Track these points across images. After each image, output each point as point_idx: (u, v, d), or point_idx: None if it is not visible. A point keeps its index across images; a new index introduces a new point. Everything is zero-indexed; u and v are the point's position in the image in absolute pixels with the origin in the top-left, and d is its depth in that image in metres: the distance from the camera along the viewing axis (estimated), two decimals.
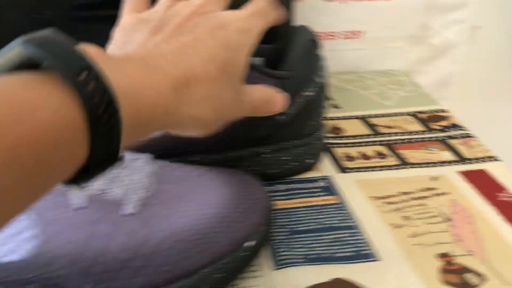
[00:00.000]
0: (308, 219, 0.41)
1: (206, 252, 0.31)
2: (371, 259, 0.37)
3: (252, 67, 0.40)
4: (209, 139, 0.41)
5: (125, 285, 0.29)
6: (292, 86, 0.42)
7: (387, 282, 0.35)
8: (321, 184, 0.46)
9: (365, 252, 0.38)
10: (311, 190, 0.45)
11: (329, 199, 0.44)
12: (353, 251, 0.38)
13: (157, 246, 0.30)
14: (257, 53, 0.41)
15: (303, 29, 0.45)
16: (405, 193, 0.45)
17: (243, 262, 0.33)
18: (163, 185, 0.32)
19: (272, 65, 0.44)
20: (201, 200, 0.32)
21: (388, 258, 0.37)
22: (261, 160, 0.44)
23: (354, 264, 0.37)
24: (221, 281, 0.32)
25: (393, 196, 0.44)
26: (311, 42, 0.44)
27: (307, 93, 0.43)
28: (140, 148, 0.39)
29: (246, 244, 0.33)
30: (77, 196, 0.30)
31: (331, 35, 0.65)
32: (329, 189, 0.45)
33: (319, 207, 0.43)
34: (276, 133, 0.43)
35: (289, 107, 0.42)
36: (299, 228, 0.40)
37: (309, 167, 0.47)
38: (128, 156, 0.33)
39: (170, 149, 0.41)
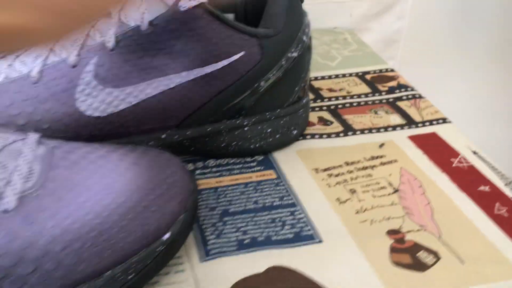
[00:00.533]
0: (241, 199, 0.36)
1: (109, 251, 0.25)
2: (313, 241, 0.33)
3: (223, 23, 0.34)
4: (181, 114, 0.36)
5: None
6: (275, 46, 0.36)
7: (331, 266, 0.31)
8: (257, 157, 0.40)
9: (306, 233, 0.33)
10: (245, 165, 0.40)
11: (266, 174, 0.39)
12: (292, 233, 0.33)
13: (47, 248, 0.24)
14: (227, 7, 0.35)
15: None
16: (350, 163, 0.40)
17: (160, 259, 0.28)
18: (53, 171, 0.26)
19: (247, 21, 0.38)
20: (102, 187, 0.26)
21: (332, 238, 0.33)
22: (241, 133, 0.38)
23: (294, 248, 0.32)
24: (133, 283, 0.27)
25: (338, 167, 0.40)
26: None
27: (292, 55, 0.38)
28: (105, 122, 0.33)
29: (164, 237, 0.27)
30: None
31: None
32: (265, 162, 0.40)
33: (254, 184, 0.38)
34: (257, 102, 0.38)
35: (273, 71, 0.36)
36: (231, 210, 0.35)
37: (294, 139, 0.41)
38: (8, 135, 0.27)
39: (137, 125, 0.35)
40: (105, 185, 0.27)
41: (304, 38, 0.39)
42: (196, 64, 0.35)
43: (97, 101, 0.34)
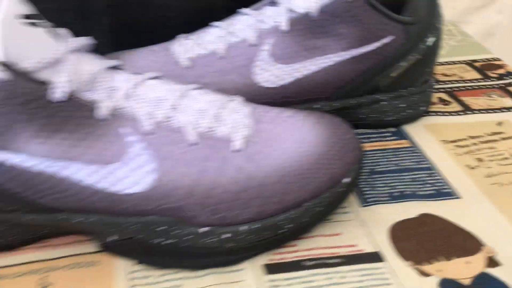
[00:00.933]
0: (384, 161, 0.42)
1: (308, 187, 0.32)
2: (453, 197, 0.39)
3: (378, 11, 0.40)
4: (332, 88, 0.42)
5: (239, 215, 0.31)
6: (416, 32, 0.43)
7: (470, 218, 0.37)
8: (389, 129, 0.47)
9: (445, 190, 0.39)
10: (381, 135, 0.46)
11: (402, 143, 0.45)
12: (433, 190, 0.39)
13: (264, 180, 0.31)
14: None
15: None
16: (473, 137, 0.46)
17: (339, 198, 0.34)
18: (261, 124, 0.34)
19: (393, 9, 0.44)
20: (296, 139, 0.33)
21: (468, 196, 0.39)
22: (379, 107, 0.45)
23: (437, 201, 0.38)
24: (320, 214, 0.34)
25: (463, 139, 0.45)
26: None
27: (429, 39, 0.44)
28: (274, 92, 0.41)
29: (344, 180, 0.34)
30: (189, 133, 0.31)
31: None
32: (398, 133, 0.46)
33: (392, 150, 0.44)
34: (396, 81, 0.44)
35: (413, 54, 0.43)
36: (378, 169, 0.41)
37: (422, 114, 0.48)
38: (224, 97, 0.34)
39: (297, 96, 0.42)
40: (298, 137, 0.34)
41: (439, 26, 0.45)
42: (352, 45, 0.41)
43: (269, 74, 0.41)
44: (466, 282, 0.32)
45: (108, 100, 0.30)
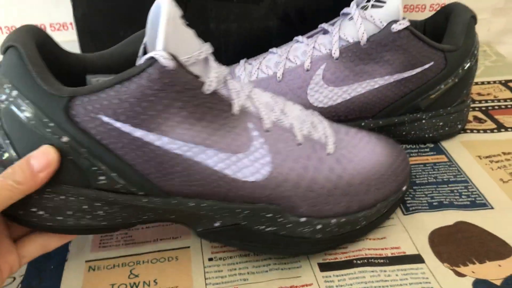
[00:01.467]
0: (424, 174, 0.47)
1: (382, 190, 0.38)
2: (486, 207, 0.43)
3: (421, 40, 0.45)
4: (377, 107, 0.48)
5: (332, 209, 0.36)
6: (454, 58, 0.48)
7: (503, 227, 0.41)
8: (428, 145, 0.51)
9: (479, 201, 0.44)
10: (420, 150, 0.51)
11: (439, 158, 0.50)
12: (469, 201, 0.44)
13: (350, 181, 0.37)
14: (414, 26, 0.45)
15: (459, 5, 0.50)
16: (506, 153, 0.50)
17: (398, 202, 0.40)
18: (339, 135, 0.39)
19: (434, 38, 0.48)
20: (370, 150, 0.39)
21: (501, 207, 0.43)
22: (419, 125, 0.50)
23: (472, 211, 0.43)
24: (383, 215, 0.39)
25: (497, 155, 0.50)
26: (472, 18, 0.49)
27: (466, 65, 0.48)
28: (326, 111, 0.47)
29: (403, 188, 0.40)
30: (297, 133, 0.36)
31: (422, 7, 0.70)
32: (436, 149, 0.51)
33: (431, 164, 0.49)
34: (436, 101, 0.49)
35: (451, 77, 0.48)
36: (418, 181, 0.46)
37: (458, 132, 0.52)
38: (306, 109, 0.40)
39: (345, 115, 0.48)
40: (370, 149, 0.39)
41: (476, 52, 0.49)
42: (397, 70, 0.46)
43: (322, 96, 0.47)
44: (498, 282, 0.36)
45: (237, 98, 0.34)
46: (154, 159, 0.32)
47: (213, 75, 0.32)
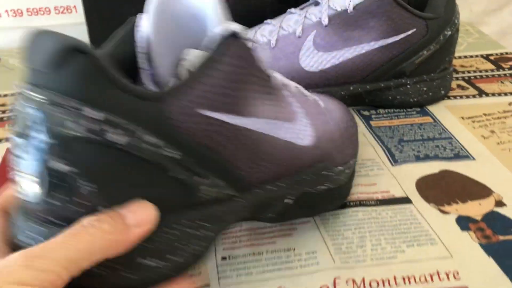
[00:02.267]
0: (411, 132, 0.50)
1: (348, 150, 0.40)
2: (469, 159, 0.47)
3: (404, 8, 0.49)
4: (365, 72, 0.51)
5: (346, 152, 0.39)
6: (436, 26, 0.51)
7: (483, 174, 0.44)
8: (415, 109, 0.55)
9: (463, 154, 0.47)
10: (408, 113, 0.54)
11: (425, 119, 0.53)
12: (453, 154, 0.47)
13: (343, 127, 0.39)
14: None
15: None
16: (487, 114, 0.53)
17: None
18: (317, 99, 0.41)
19: (417, 7, 0.52)
20: (334, 108, 0.41)
21: (481, 158, 0.47)
22: (404, 90, 0.53)
23: (455, 162, 0.46)
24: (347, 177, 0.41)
25: (478, 116, 0.53)
26: None
27: (447, 33, 0.52)
28: (316, 76, 0.50)
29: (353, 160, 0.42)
30: (317, 100, 0.39)
31: None
32: (422, 112, 0.54)
33: (418, 125, 0.52)
34: (419, 67, 0.52)
35: (433, 44, 0.51)
36: (405, 138, 0.50)
37: (441, 98, 0.56)
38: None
39: (335, 79, 0.51)
40: (336, 114, 0.41)
41: (456, 21, 0.53)
42: (382, 36, 0.50)
43: (313, 61, 0.50)
44: (478, 218, 0.40)
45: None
46: (248, 147, 0.29)
47: (266, 56, 0.35)
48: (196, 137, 0.27)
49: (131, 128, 0.25)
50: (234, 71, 0.28)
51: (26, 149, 0.24)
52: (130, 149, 0.25)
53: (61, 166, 0.24)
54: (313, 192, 0.37)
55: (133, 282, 0.27)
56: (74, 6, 0.67)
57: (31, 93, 0.24)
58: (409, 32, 0.50)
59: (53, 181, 0.24)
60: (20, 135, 0.25)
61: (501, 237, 0.38)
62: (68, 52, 0.23)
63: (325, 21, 0.50)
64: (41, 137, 0.24)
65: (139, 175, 0.26)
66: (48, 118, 0.24)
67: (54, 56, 0.23)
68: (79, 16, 0.68)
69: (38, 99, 0.24)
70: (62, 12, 0.67)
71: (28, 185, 0.25)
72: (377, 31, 0.50)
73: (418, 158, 0.47)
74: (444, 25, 0.52)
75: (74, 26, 0.69)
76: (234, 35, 0.27)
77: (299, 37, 0.50)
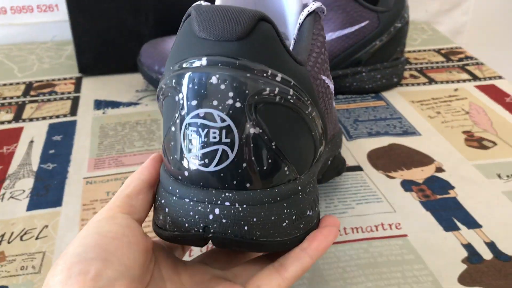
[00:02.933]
0: (365, 114, 0.56)
1: None
2: (416, 134, 0.52)
3: (357, 2, 0.55)
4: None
5: None
6: (387, 19, 0.57)
7: (428, 146, 0.50)
8: (371, 94, 0.61)
9: (410, 131, 0.53)
10: (363, 98, 0.60)
11: (379, 103, 0.59)
12: (401, 131, 0.53)
13: None
14: None
15: None
16: (435, 98, 0.60)
17: None
18: None
19: (370, 2, 0.58)
20: None
21: (427, 134, 0.53)
22: (360, 77, 0.59)
23: (403, 137, 0.52)
24: None
25: (427, 100, 0.59)
26: None
27: (397, 25, 0.58)
28: None
29: None
30: None
31: None
32: (377, 97, 0.60)
33: (372, 107, 0.58)
34: (373, 56, 0.58)
35: (384, 35, 0.57)
36: (360, 119, 0.55)
37: (394, 85, 0.62)
38: None
39: None
40: None
41: (405, 15, 0.59)
42: (338, 27, 0.56)
43: None
44: (420, 181, 0.45)
45: None
46: (332, 109, 0.35)
47: None
48: (319, 98, 0.30)
49: (300, 90, 0.28)
50: (323, 40, 0.32)
51: (212, 118, 0.26)
52: (297, 108, 0.28)
53: (252, 129, 0.26)
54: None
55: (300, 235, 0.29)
56: (56, 5, 0.71)
57: (222, 63, 0.25)
58: (363, 24, 0.56)
59: (243, 145, 0.26)
60: (200, 105, 0.25)
61: (439, 196, 0.44)
62: (257, 21, 0.25)
63: None
64: (235, 104, 0.25)
65: (301, 131, 0.29)
66: (243, 85, 0.25)
67: (246, 26, 0.25)
68: (61, 14, 0.72)
69: (229, 69, 0.25)
70: (45, 10, 0.71)
71: (209, 155, 0.26)
72: (334, 23, 0.56)
73: (370, 134, 0.52)
74: (394, 18, 0.58)
75: (57, 23, 0.73)
76: (314, 11, 0.32)
77: None
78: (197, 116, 0.26)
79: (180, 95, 0.26)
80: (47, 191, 0.44)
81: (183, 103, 0.26)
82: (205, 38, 0.26)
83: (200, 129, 0.26)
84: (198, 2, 0.28)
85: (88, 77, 0.66)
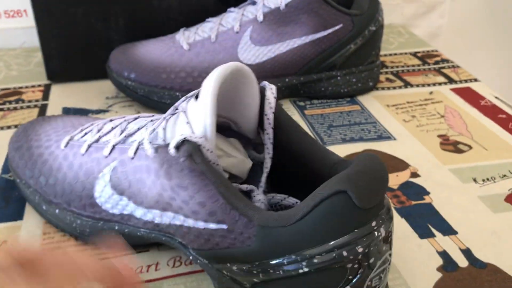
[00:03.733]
0: (339, 119, 0.55)
1: None
2: (390, 139, 0.52)
3: (330, 5, 0.54)
4: (298, 65, 0.55)
5: None
6: (361, 22, 0.56)
7: (402, 151, 0.50)
8: (345, 99, 0.60)
9: (385, 135, 0.52)
10: (338, 103, 0.59)
11: (354, 107, 0.58)
12: (376, 135, 0.52)
13: None
14: None
15: None
16: (410, 102, 0.59)
17: None
18: None
19: (344, 5, 0.57)
20: None
21: (402, 138, 0.52)
22: (335, 81, 0.58)
23: (378, 142, 0.51)
24: None
25: (402, 104, 0.59)
26: None
27: (371, 28, 0.57)
28: (254, 68, 0.54)
29: None
30: None
31: None
32: (352, 101, 0.59)
33: (346, 112, 0.57)
34: (347, 60, 0.57)
35: (359, 38, 0.56)
36: (334, 124, 0.54)
37: (370, 89, 0.61)
38: None
39: (271, 71, 0.55)
40: None
41: (380, 18, 0.58)
42: (312, 31, 0.55)
43: (250, 54, 0.54)
44: (395, 187, 0.45)
45: None
46: None
47: None
48: None
49: None
50: None
51: None
52: None
53: None
54: None
55: None
56: (25, 10, 0.69)
57: None
58: (337, 27, 0.56)
59: None
60: None
61: (414, 202, 0.43)
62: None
63: (260, 17, 0.54)
64: None
65: None
66: None
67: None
68: (30, 20, 0.70)
69: None
70: (13, 16, 0.69)
71: None
72: (307, 27, 0.55)
73: (344, 141, 0.51)
74: (368, 21, 0.57)
75: (25, 29, 0.72)
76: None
77: (237, 32, 0.54)
78: None
79: None
80: (7, 203, 0.42)
81: None
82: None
83: None
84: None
85: (57, 84, 0.64)
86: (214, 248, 0.31)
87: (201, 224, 0.31)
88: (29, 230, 0.40)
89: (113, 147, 0.35)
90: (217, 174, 0.30)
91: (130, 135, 0.35)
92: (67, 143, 0.39)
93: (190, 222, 0.31)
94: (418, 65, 0.69)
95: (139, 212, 0.34)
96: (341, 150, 0.50)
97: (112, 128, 0.37)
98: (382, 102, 0.59)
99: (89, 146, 0.37)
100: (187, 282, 0.35)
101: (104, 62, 0.60)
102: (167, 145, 0.31)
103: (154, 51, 0.55)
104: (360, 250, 0.28)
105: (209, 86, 0.30)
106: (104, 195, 0.35)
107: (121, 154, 0.34)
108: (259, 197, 0.33)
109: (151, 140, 0.33)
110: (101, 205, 0.36)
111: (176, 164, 0.30)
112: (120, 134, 0.36)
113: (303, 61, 0.56)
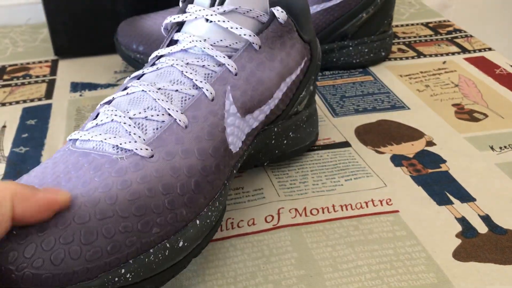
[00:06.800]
0: (352, 90, 0.54)
1: None
2: (404, 109, 0.51)
3: None
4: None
5: None
6: None
7: (417, 120, 0.49)
8: (358, 70, 0.59)
9: (399, 105, 0.51)
10: (351, 73, 0.58)
11: (366, 78, 0.57)
12: (389, 105, 0.51)
13: None
14: None
15: None
16: (424, 72, 0.58)
17: None
18: None
19: None
20: None
21: (416, 108, 0.51)
22: (347, 51, 0.57)
23: (392, 112, 0.50)
24: None
25: (415, 74, 0.57)
26: None
27: None
28: None
29: None
30: None
31: None
32: (365, 71, 0.58)
33: (359, 83, 0.56)
34: (359, 29, 0.56)
35: (371, 7, 0.55)
36: (347, 95, 0.53)
37: (382, 59, 0.60)
38: None
39: None
40: None
41: None
42: (322, 0, 0.54)
43: None
44: (410, 156, 0.44)
45: None
46: None
47: None
48: None
49: None
50: None
51: None
52: None
53: None
54: None
55: None
56: None
57: None
58: None
59: None
60: None
61: (430, 170, 0.42)
62: None
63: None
64: None
65: None
66: None
67: None
68: None
69: None
70: None
71: None
72: None
73: (357, 111, 0.50)
74: None
75: (30, 6, 0.71)
76: None
77: None
78: None
79: None
80: (19, 177, 0.42)
81: None
82: None
83: None
84: None
85: (64, 60, 0.63)
86: None
87: None
88: None
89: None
90: None
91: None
92: None
93: None
94: (431, 35, 0.67)
95: None
96: (354, 121, 0.49)
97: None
98: (395, 72, 0.58)
99: None
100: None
101: (111, 36, 0.59)
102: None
103: (163, 23, 0.54)
104: None
105: None
106: None
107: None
108: None
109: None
110: None
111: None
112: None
113: (316, 29, 0.55)
